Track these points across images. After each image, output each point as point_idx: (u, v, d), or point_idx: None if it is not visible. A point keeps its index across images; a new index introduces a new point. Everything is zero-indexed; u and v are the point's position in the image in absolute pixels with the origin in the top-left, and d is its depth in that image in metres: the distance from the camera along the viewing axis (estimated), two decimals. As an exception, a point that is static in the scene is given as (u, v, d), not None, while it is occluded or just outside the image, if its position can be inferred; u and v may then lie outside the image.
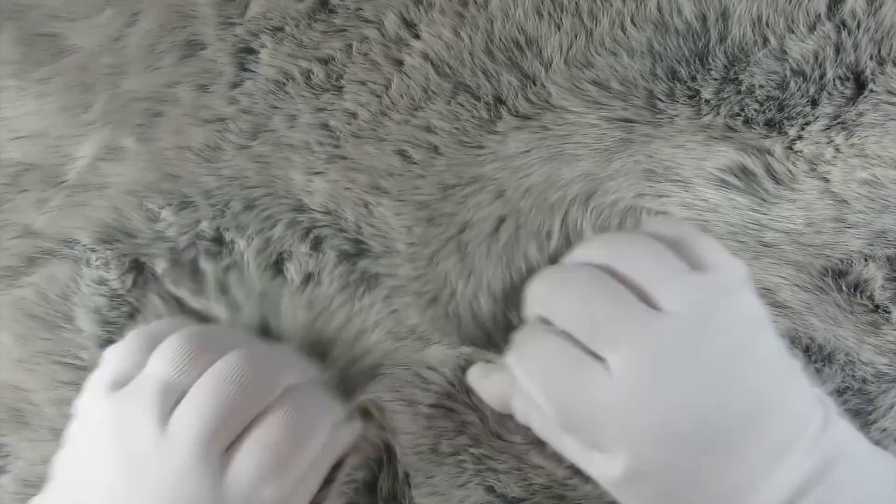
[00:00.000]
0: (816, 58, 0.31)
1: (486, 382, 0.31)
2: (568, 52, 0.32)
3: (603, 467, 0.28)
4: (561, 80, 0.33)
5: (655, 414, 0.26)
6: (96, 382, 0.29)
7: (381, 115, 0.33)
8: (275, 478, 0.27)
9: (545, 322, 0.29)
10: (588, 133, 0.33)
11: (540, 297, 0.30)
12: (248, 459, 0.27)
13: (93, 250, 0.34)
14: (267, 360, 0.28)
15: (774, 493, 0.25)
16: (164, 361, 0.28)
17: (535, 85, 0.33)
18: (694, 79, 0.32)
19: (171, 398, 0.27)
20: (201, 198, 0.34)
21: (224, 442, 0.27)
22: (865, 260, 0.32)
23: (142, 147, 0.34)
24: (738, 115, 0.32)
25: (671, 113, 0.32)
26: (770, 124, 0.32)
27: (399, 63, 0.33)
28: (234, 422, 0.27)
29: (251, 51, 0.34)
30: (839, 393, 0.32)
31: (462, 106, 0.33)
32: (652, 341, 0.26)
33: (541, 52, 0.33)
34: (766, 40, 0.31)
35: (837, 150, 0.32)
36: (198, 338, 0.28)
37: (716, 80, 0.32)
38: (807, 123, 0.32)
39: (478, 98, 0.33)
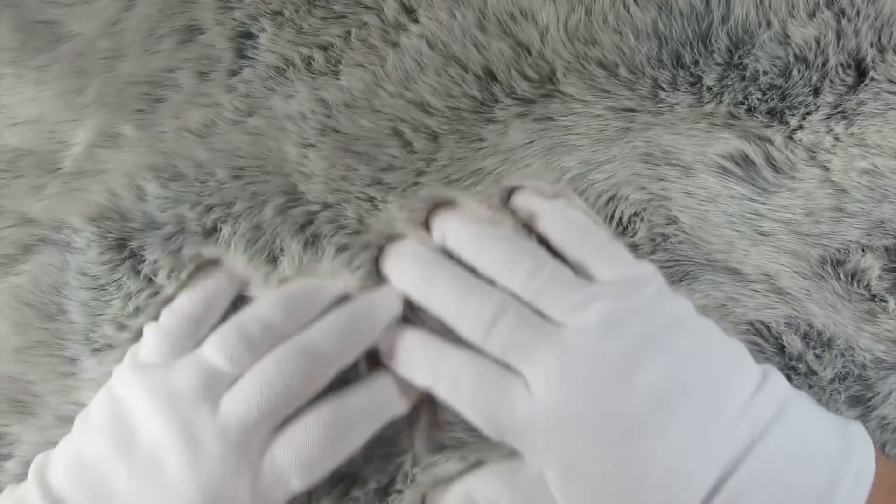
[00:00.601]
0: (819, 43, 0.31)
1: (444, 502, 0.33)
2: (567, 21, 0.32)
3: (544, 480, 0.29)
4: (565, 54, 0.32)
5: (572, 416, 0.28)
6: (145, 360, 0.31)
7: (375, 86, 0.33)
8: (306, 471, 0.30)
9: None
10: (591, 124, 0.33)
11: (431, 303, 0.31)
12: (284, 450, 0.29)
13: (79, 231, 0.34)
14: (318, 354, 0.30)
15: (706, 465, 0.27)
16: (218, 351, 0.30)
17: (530, 55, 0.32)
18: (696, 63, 0.32)
19: (224, 383, 0.30)
20: (191, 170, 0.34)
21: (270, 427, 0.30)
22: (863, 250, 0.32)
23: (141, 133, 0.34)
24: (742, 103, 0.32)
25: (671, 101, 0.32)
26: (772, 113, 0.32)
27: (395, 45, 0.33)
28: (281, 411, 0.30)
29: (250, 35, 0.34)
30: (840, 379, 0.32)
31: (452, 79, 0.33)
32: (558, 353, 0.29)
33: (535, 21, 0.32)
34: (769, 22, 0.31)
35: (837, 139, 0.32)
36: (250, 328, 0.31)
37: (719, 64, 0.32)
38: (808, 113, 0.32)
39: (466, 69, 0.33)
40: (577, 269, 0.31)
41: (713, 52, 0.32)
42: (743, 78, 0.32)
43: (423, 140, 0.33)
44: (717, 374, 0.28)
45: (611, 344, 0.28)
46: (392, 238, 0.33)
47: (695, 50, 0.32)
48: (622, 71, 0.32)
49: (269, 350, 0.31)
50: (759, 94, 0.32)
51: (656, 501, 0.27)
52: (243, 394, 0.29)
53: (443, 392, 0.31)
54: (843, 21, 0.31)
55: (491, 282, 0.31)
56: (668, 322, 0.29)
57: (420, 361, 0.31)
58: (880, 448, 0.32)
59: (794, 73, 0.31)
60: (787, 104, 0.32)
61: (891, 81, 0.31)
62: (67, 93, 0.35)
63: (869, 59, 0.31)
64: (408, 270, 0.32)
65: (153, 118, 0.34)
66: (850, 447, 0.27)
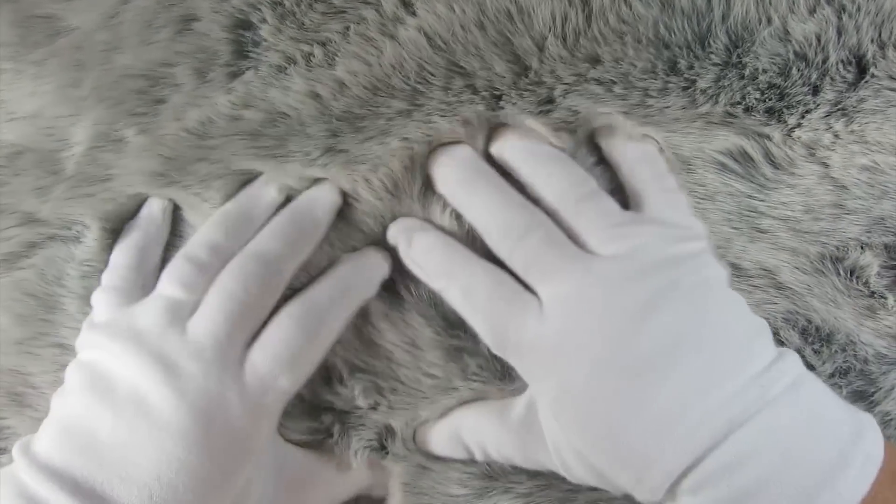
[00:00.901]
0: (819, 40, 0.31)
1: (435, 438, 0.33)
2: (563, 26, 0.32)
3: (536, 404, 0.29)
4: (565, 76, 0.32)
5: (577, 343, 0.28)
6: (100, 317, 0.31)
7: (374, 93, 0.33)
8: (288, 368, 0.30)
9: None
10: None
11: (472, 210, 0.32)
12: (262, 353, 0.30)
13: (89, 227, 0.35)
14: (267, 257, 0.31)
15: (708, 418, 0.26)
16: (172, 283, 0.31)
17: (527, 77, 0.32)
18: (691, 67, 0.31)
19: (187, 311, 0.30)
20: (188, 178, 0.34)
21: (242, 339, 0.30)
22: (862, 248, 0.32)
23: (145, 139, 0.34)
24: (739, 103, 0.32)
25: (661, 106, 0.32)
26: (770, 112, 0.32)
27: (393, 37, 0.33)
28: (248, 321, 0.30)
29: (250, 25, 0.34)
30: (842, 373, 0.32)
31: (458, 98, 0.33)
32: (579, 278, 0.28)
33: (532, 24, 0.32)
34: (769, 19, 0.31)
35: (836, 136, 0.32)
36: (199, 254, 0.31)
37: (716, 65, 0.31)
38: (807, 112, 0.32)
39: (476, 91, 0.33)
40: (633, 202, 0.31)
41: (711, 53, 0.31)
42: (741, 77, 0.31)
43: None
44: (734, 339, 0.28)
45: (636, 281, 0.28)
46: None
47: (692, 54, 0.31)
48: (617, 89, 0.32)
49: (223, 265, 0.31)
50: (757, 94, 0.32)
51: (643, 445, 0.27)
52: (207, 311, 0.30)
53: (454, 297, 0.31)
54: (844, 17, 0.31)
55: (536, 202, 0.31)
56: (700, 280, 0.29)
57: (438, 262, 0.31)
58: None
59: (794, 71, 0.31)
60: (786, 103, 0.31)
61: (891, 78, 0.31)
62: (64, 86, 0.35)
63: (869, 55, 0.31)
64: (452, 174, 0.32)
65: (156, 122, 0.34)
66: (861, 431, 0.26)
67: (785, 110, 0.32)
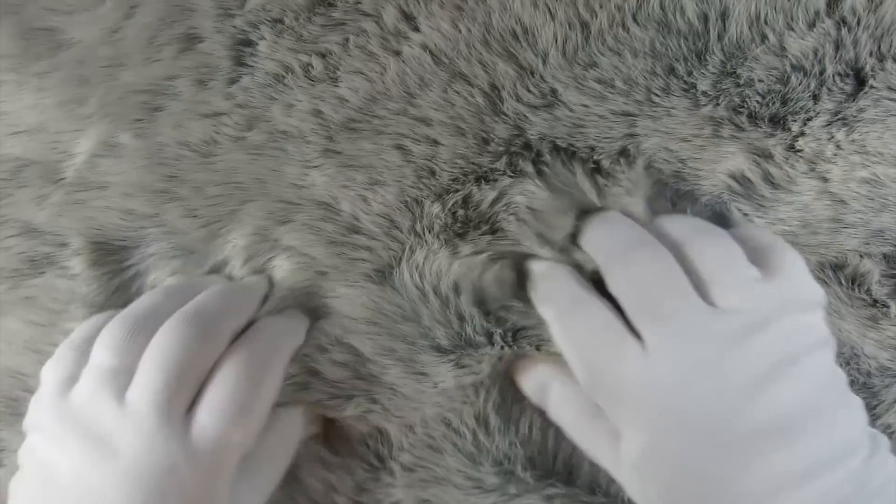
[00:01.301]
0: (816, 54, 0.31)
1: (526, 377, 0.32)
2: (564, 45, 0.32)
3: (618, 447, 0.28)
4: (563, 78, 0.32)
5: (680, 400, 0.26)
6: (43, 395, 0.29)
7: (374, 102, 0.33)
8: (240, 421, 0.28)
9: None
10: (598, 124, 0.32)
11: (597, 247, 0.30)
12: (208, 410, 0.28)
13: (77, 254, 0.35)
14: (204, 315, 0.29)
15: None
16: (105, 350, 0.28)
17: (532, 77, 0.32)
18: (690, 73, 0.32)
19: (123, 380, 0.28)
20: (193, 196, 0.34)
21: (184, 401, 0.28)
22: (861, 257, 0.32)
23: (140, 143, 0.34)
24: (741, 108, 0.32)
25: (667, 105, 0.32)
26: (774, 120, 0.32)
27: (397, 53, 0.33)
28: (188, 382, 0.28)
29: (249, 42, 0.34)
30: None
31: (458, 94, 0.33)
32: (693, 330, 0.26)
33: (536, 42, 0.32)
34: (764, 37, 0.31)
35: (839, 146, 0.32)
36: (133, 317, 0.29)
37: (713, 73, 0.31)
38: (809, 119, 0.31)
39: (473, 86, 0.33)
40: (757, 260, 0.29)
41: (707, 65, 0.31)
42: (738, 84, 0.31)
43: (423, 146, 0.33)
44: (841, 427, 0.26)
45: (756, 343, 0.26)
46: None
47: (689, 64, 0.32)
48: (618, 83, 0.32)
49: (158, 325, 0.29)
50: (758, 98, 0.31)
51: None
52: (144, 378, 0.27)
53: (553, 320, 0.30)
54: (843, 30, 0.31)
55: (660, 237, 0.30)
56: (814, 358, 0.27)
57: (549, 284, 0.30)
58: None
59: (793, 79, 0.31)
60: (789, 109, 0.31)
61: (890, 89, 0.31)
62: (69, 102, 0.35)
63: (868, 68, 0.31)
64: (612, 232, 0.31)
65: (153, 127, 0.34)
66: None
67: (789, 116, 0.31)
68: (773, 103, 0.31)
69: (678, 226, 0.30)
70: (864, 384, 0.32)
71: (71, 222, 0.35)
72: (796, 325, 0.27)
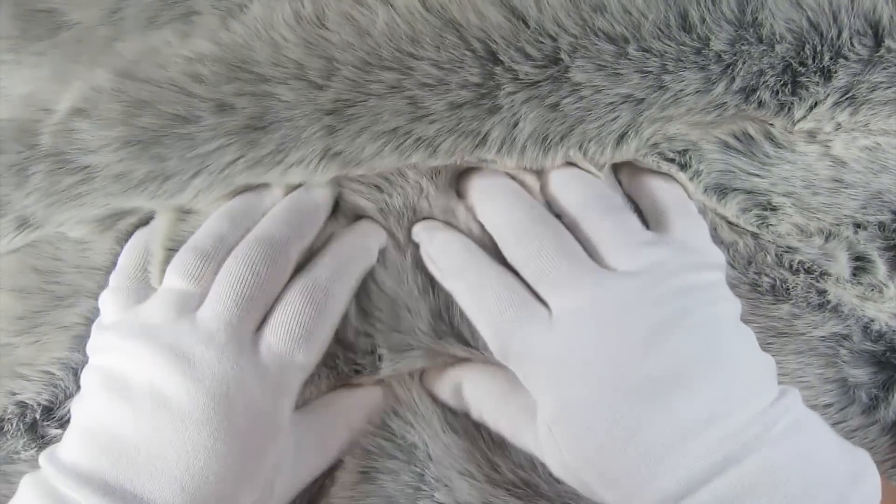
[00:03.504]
0: (832, 3, 0.30)
1: (439, 384, 0.33)
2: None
3: (538, 418, 0.29)
4: (570, 26, 0.30)
5: (582, 360, 0.28)
6: (108, 318, 0.31)
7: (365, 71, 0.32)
8: (304, 344, 0.30)
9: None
10: (602, 115, 0.31)
11: (496, 223, 0.32)
12: (275, 332, 0.30)
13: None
14: (272, 241, 0.31)
15: (706, 451, 0.26)
16: (178, 276, 0.30)
17: (528, 28, 0.31)
18: (704, 20, 0.30)
19: (195, 301, 0.30)
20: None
21: (253, 321, 0.30)
22: (856, 228, 0.32)
23: (116, 82, 0.33)
24: (753, 92, 0.31)
25: (676, 88, 0.31)
26: (781, 106, 0.32)
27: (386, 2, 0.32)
28: (258, 303, 0.30)
29: (241, 7, 0.34)
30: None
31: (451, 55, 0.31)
32: (591, 294, 0.28)
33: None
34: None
35: (839, 125, 0.32)
36: (202, 244, 0.31)
37: (730, 23, 0.30)
38: (815, 104, 0.31)
39: (470, 47, 0.31)
40: (653, 225, 0.31)
41: (721, 5, 0.30)
42: (760, 40, 0.30)
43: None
44: (740, 375, 0.27)
45: (649, 303, 0.28)
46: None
47: (702, 5, 0.30)
48: (631, 48, 0.30)
49: (228, 252, 0.31)
50: (772, 81, 0.31)
51: (636, 469, 0.26)
52: (216, 297, 0.29)
53: (462, 296, 0.31)
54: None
55: (559, 217, 0.31)
56: (714, 311, 0.28)
57: (452, 260, 0.31)
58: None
59: (807, 49, 0.30)
60: (798, 96, 0.31)
61: None
62: (61, 72, 0.35)
63: (885, 19, 0.30)
64: (479, 182, 0.33)
65: (134, 68, 0.33)
66: (859, 472, 0.26)
67: (795, 104, 0.31)
68: (785, 90, 0.31)
69: (573, 198, 0.32)
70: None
71: (62, 215, 0.34)
72: (691, 282, 0.29)
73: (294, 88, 0.31)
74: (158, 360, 0.28)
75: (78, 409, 0.29)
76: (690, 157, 0.32)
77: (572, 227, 0.31)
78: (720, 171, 0.32)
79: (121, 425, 0.27)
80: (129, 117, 0.32)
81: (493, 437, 0.32)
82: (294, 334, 0.30)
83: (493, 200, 0.32)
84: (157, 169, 0.32)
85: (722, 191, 0.33)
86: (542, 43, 0.31)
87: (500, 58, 0.31)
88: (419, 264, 0.33)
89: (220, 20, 0.34)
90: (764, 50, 0.30)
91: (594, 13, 0.31)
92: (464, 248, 0.32)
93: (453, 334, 0.33)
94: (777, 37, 0.30)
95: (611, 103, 0.31)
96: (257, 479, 0.28)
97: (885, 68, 0.31)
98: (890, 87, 0.31)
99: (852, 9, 0.30)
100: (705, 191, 0.33)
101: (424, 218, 0.33)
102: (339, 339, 0.33)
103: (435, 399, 0.34)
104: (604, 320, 0.28)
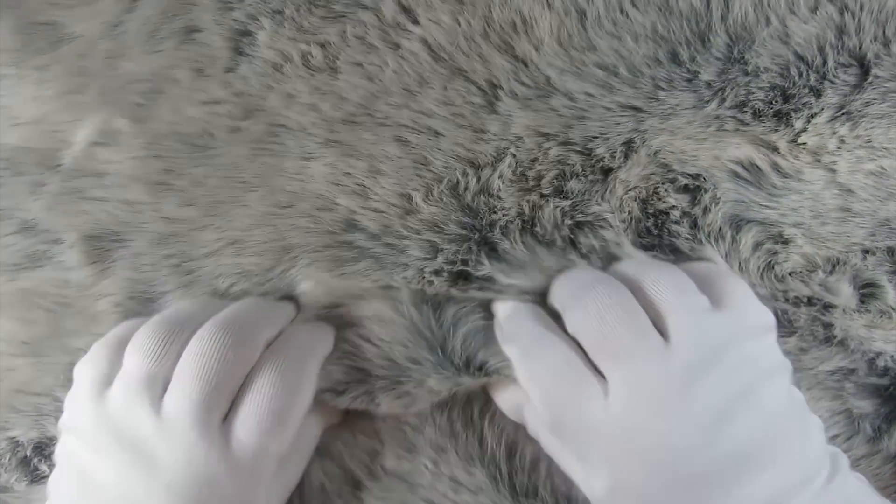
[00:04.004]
0: (819, 41, 0.31)
1: (502, 396, 0.31)
2: (559, 32, 0.32)
3: (586, 482, 0.28)
4: (559, 63, 0.32)
5: (641, 440, 0.26)
6: (77, 396, 0.29)
7: (375, 98, 0.33)
8: (277, 432, 0.28)
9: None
10: (604, 116, 0.32)
11: (559, 295, 0.30)
12: (247, 423, 0.27)
13: (72, 247, 0.34)
14: (239, 323, 0.29)
15: None
16: (140, 354, 0.28)
17: (527, 67, 0.32)
18: (693, 59, 0.31)
19: (158, 386, 0.28)
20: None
21: (220, 410, 0.28)
22: (865, 254, 0.32)
23: (137, 128, 0.34)
24: (745, 105, 0.31)
25: (672, 102, 0.32)
26: (778, 116, 0.31)
27: (396, 46, 0.33)
28: (225, 391, 0.28)
29: (248, 33, 0.34)
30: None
31: (457, 91, 0.33)
32: (653, 369, 0.26)
33: (533, 31, 0.32)
34: (768, 20, 0.31)
35: (842, 140, 0.31)
36: (166, 323, 0.29)
37: (718, 59, 0.31)
38: (812, 115, 0.31)
39: (472, 82, 0.33)
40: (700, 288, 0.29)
41: (711, 48, 0.31)
42: (745, 73, 0.31)
43: (424, 137, 0.33)
44: (800, 456, 0.26)
45: (712, 377, 0.26)
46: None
47: (692, 48, 0.31)
48: (622, 71, 0.32)
49: (192, 332, 0.29)
50: (762, 95, 0.31)
51: None
52: (181, 386, 0.27)
53: (516, 359, 0.29)
54: (846, 15, 0.30)
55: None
56: (771, 383, 0.27)
57: (513, 323, 0.30)
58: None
59: (793, 71, 0.31)
60: (792, 106, 0.31)
61: None
62: (68, 92, 0.35)
63: (871, 55, 0.30)
64: (569, 278, 0.31)
65: (149, 112, 0.34)
66: None
67: (792, 113, 0.31)
68: (777, 101, 0.31)
69: (632, 265, 0.30)
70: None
71: (65, 219, 0.34)
72: (748, 352, 0.27)
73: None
74: (125, 461, 0.27)
75: (54, 489, 0.28)
76: (705, 180, 0.32)
77: (634, 289, 0.29)
78: (734, 200, 0.32)
79: None
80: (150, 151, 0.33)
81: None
82: (267, 422, 0.28)
83: (560, 278, 0.31)
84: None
85: (737, 223, 0.32)
86: (536, 76, 0.32)
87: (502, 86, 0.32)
88: None
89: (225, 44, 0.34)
90: (750, 80, 0.31)
91: (583, 53, 0.32)
92: (527, 314, 0.30)
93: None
94: (762, 69, 0.31)
95: (608, 108, 0.32)
96: None
97: (875, 88, 0.31)
98: (884, 102, 0.31)
99: (838, 44, 0.31)
100: (721, 227, 0.32)
101: None
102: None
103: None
104: (663, 400, 0.26)
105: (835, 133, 0.31)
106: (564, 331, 0.29)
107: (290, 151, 0.33)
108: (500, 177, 0.32)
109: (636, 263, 0.30)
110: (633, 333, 0.27)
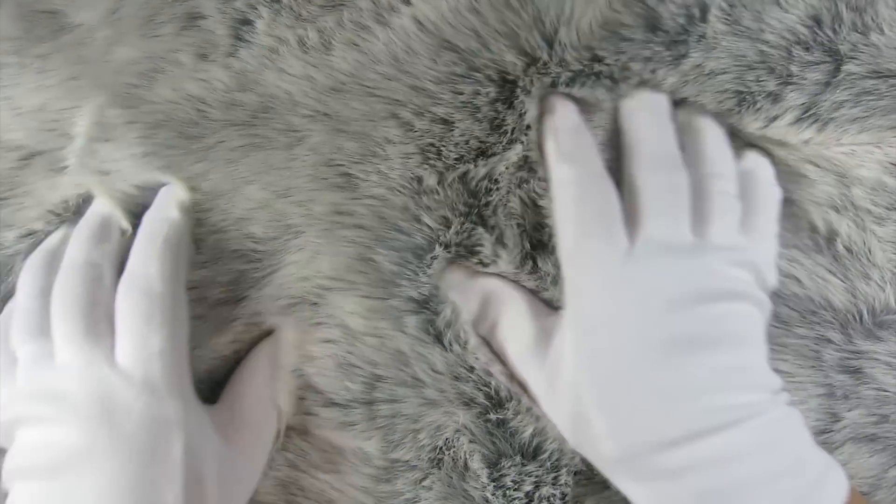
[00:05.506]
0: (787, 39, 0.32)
1: (463, 296, 0.33)
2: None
3: (567, 324, 0.30)
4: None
5: (642, 297, 0.28)
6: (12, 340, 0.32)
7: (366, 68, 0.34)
8: (150, 328, 0.30)
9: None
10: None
11: (636, 133, 0.32)
12: (122, 346, 0.30)
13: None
14: (77, 263, 0.32)
15: (712, 411, 0.27)
16: (26, 340, 0.31)
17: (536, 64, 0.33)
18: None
19: (47, 350, 0.30)
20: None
21: (105, 341, 0.30)
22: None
23: (129, 114, 0.35)
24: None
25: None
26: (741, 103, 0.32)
27: (386, 24, 0.33)
28: (99, 321, 0.31)
29: (248, 21, 0.34)
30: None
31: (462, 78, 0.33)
32: (674, 262, 0.29)
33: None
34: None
35: (806, 142, 0.33)
36: (28, 302, 0.32)
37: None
38: (774, 118, 0.32)
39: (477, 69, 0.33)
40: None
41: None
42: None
43: (429, 122, 0.34)
44: (761, 360, 0.29)
45: (717, 264, 0.29)
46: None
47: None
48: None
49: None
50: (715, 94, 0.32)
51: (644, 403, 0.28)
52: (62, 335, 0.30)
53: (562, 189, 0.31)
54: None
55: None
56: (750, 304, 0.30)
57: (573, 143, 0.32)
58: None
59: (751, 76, 0.32)
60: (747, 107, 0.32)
61: (876, 73, 0.31)
62: (68, 80, 0.35)
63: (845, 48, 0.31)
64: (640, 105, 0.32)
65: (147, 94, 0.35)
66: (833, 465, 0.28)
67: (746, 113, 0.33)
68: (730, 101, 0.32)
69: (708, 143, 0.32)
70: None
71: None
72: (742, 278, 0.30)
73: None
74: (49, 413, 0.29)
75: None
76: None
77: (694, 174, 0.31)
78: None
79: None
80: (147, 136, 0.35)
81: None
82: (137, 325, 0.30)
83: (643, 112, 0.32)
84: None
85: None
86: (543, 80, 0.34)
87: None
88: None
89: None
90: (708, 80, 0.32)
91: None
92: (591, 142, 0.32)
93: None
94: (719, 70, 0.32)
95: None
96: (171, 475, 0.28)
97: (846, 89, 0.31)
98: (856, 106, 0.31)
99: (812, 42, 0.31)
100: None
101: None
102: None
103: None
104: (671, 277, 0.29)
105: (798, 134, 0.32)
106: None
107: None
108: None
109: (709, 140, 0.32)
110: (677, 220, 0.29)
